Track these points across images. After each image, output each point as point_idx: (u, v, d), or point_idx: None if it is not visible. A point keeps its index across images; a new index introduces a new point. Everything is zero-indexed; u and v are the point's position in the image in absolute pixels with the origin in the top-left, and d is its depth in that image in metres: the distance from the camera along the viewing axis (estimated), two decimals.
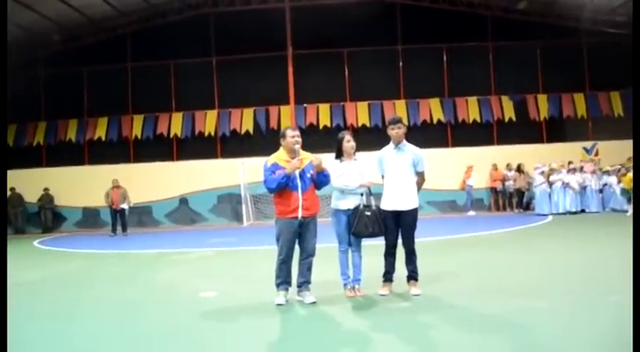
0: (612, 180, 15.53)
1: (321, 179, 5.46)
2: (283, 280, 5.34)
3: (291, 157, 5.36)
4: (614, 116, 18.42)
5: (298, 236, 5.37)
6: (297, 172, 5.31)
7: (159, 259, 10.09)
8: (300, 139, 5.42)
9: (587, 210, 15.73)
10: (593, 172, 16.21)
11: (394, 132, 5.55)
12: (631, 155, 15.76)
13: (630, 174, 13.95)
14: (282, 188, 5.27)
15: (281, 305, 5.21)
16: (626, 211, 14.24)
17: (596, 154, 18.26)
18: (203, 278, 7.39)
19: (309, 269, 5.45)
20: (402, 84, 18.82)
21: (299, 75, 18.38)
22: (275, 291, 5.35)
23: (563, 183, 15.67)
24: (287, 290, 5.36)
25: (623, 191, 14.36)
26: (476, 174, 17.75)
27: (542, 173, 15.84)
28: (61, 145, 18.79)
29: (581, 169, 16.31)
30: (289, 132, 5.43)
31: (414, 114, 18.25)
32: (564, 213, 15.39)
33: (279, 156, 5.41)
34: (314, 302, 5.27)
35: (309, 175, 5.38)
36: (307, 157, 5.44)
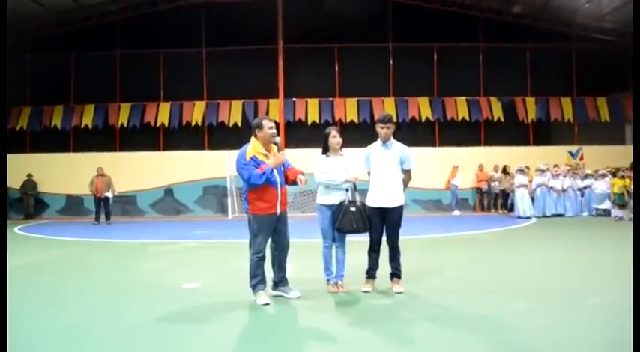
0: (600, 184, 15.37)
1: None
2: (261, 278, 5.14)
3: (267, 149, 5.16)
4: (600, 121, 18.60)
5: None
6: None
7: (142, 249, 10.01)
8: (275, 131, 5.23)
9: (566, 214, 15.77)
10: (564, 176, 16.18)
11: (383, 131, 5.52)
12: (617, 161, 15.90)
13: (622, 180, 13.95)
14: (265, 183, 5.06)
15: (268, 304, 5.00)
16: (609, 214, 14.31)
17: (581, 158, 18.44)
18: (186, 270, 7.36)
19: (285, 263, 5.39)
20: (391, 82, 18.85)
21: (289, 69, 18.28)
22: (252, 292, 5.14)
23: (546, 187, 15.73)
24: (264, 288, 5.21)
25: (614, 195, 14.18)
26: (462, 174, 17.81)
27: (522, 171, 15.69)
28: (46, 131, 18.54)
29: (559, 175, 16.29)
30: (267, 123, 5.13)
31: (402, 111, 18.25)
32: (548, 216, 15.46)
33: (256, 149, 5.09)
34: (299, 297, 5.26)
35: (282, 169, 5.24)
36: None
